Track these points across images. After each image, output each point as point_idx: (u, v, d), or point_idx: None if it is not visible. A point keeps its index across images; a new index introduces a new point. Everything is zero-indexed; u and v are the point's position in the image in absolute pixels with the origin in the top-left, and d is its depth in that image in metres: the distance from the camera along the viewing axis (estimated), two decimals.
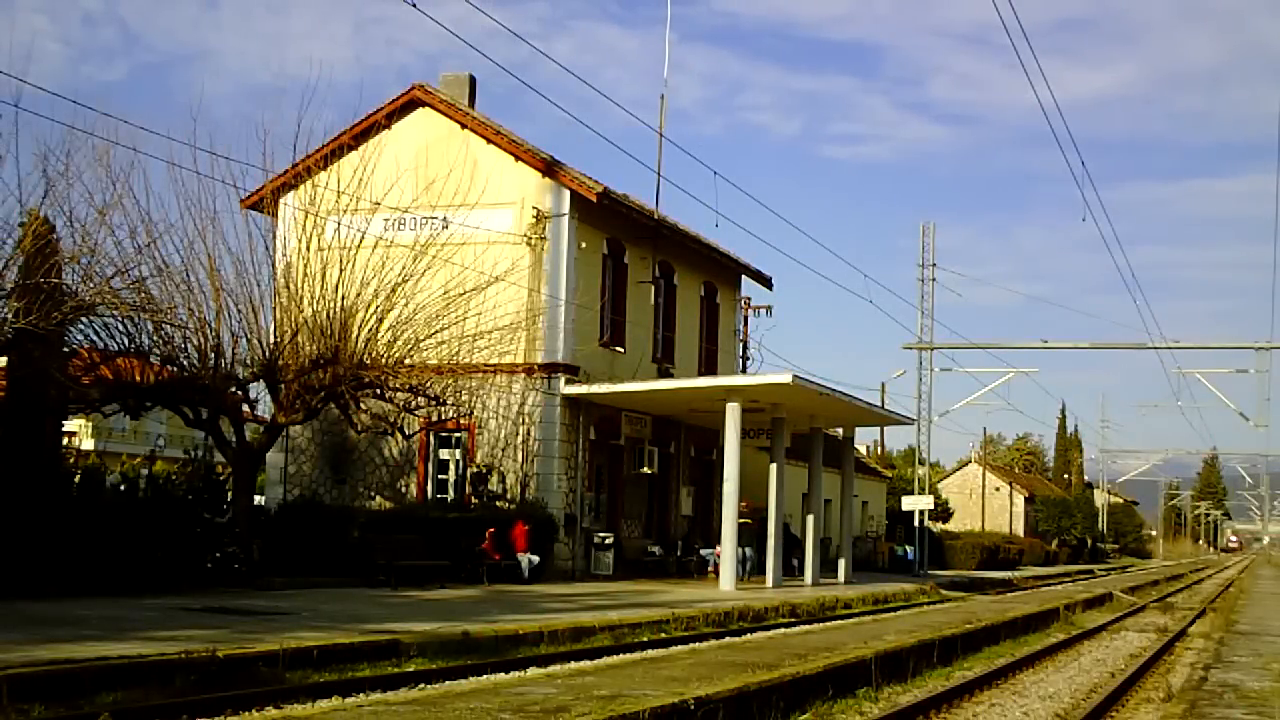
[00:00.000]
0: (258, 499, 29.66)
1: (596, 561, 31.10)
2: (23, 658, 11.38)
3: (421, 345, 25.84)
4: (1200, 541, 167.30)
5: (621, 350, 33.35)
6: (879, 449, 75.08)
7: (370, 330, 25.05)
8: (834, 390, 32.46)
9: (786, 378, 29.28)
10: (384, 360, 25.01)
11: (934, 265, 49.29)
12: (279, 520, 27.87)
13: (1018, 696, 14.59)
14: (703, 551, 34.69)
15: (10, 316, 19.21)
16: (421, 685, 12.71)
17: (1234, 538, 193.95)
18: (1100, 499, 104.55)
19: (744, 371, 42.94)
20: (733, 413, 29.50)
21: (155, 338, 23.64)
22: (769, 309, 47.04)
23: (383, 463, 31.36)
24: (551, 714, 9.68)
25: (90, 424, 42.01)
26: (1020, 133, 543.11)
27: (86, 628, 14.47)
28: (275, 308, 25.11)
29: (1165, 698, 14.09)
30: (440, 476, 31.41)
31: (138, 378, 24.09)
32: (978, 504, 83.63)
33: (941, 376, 72.23)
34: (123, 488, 23.27)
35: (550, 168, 30.66)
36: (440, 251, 26.76)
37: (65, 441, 25.08)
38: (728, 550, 29.38)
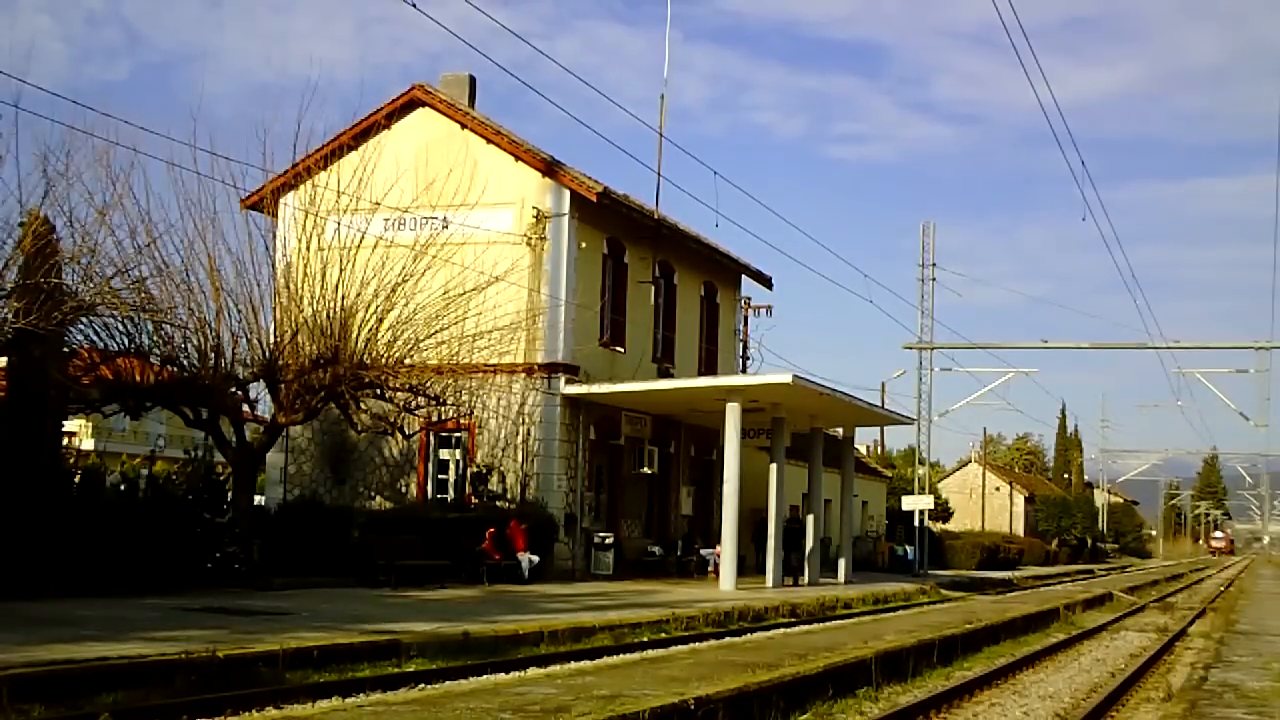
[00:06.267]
0: (258, 499, 29.66)
1: (596, 561, 31.10)
2: (23, 658, 11.39)
3: (421, 345, 25.83)
4: (1200, 541, 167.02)
5: (621, 350, 33.35)
6: (879, 449, 75.12)
7: (370, 330, 25.04)
8: (834, 390, 32.49)
9: (786, 378, 29.30)
10: (384, 360, 25.00)
11: (934, 265, 49.33)
12: (279, 520, 27.87)
13: (1018, 696, 14.59)
14: (703, 551, 34.72)
15: (10, 316, 19.21)
16: (421, 685, 12.71)
17: (1220, 534, 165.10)
18: (1100, 499, 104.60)
19: (744, 371, 42.97)
20: (733, 413, 29.51)
21: (155, 338, 23.64)
22: (769, 309, 47.14)
23: (383, 463, 31.36)
24: (552, 714, 9.68)
25: (90, 424, 41.98)
26: (1024, 133, 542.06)
27: (86, 628, 14.47)
28: (275, 308, 25.10)
29: (1165, 697, 14.09)
30: (440, 476, 31.41)
31: (138, 378, 24.08)
32: (978, 504, 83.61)
33: (941, 376, 72.32)
34: (123, 488, 23.28)
35: (550, 168, 30.66)
36: (440, 251, 26.75)
37: (65, 441, 25.05)
38: (728, 550, 29.40)
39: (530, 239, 30.31)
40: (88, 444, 38.29)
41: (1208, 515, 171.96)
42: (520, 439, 30.49)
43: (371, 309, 25.14)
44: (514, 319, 28.75)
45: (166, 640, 13.30)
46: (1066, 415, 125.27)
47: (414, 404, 26.68)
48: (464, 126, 31.28)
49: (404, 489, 31.25)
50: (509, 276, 28.71)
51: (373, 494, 31.20)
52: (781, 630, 21.20)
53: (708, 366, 38.58)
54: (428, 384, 26.30)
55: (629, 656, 15.63)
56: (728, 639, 18.85)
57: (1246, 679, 14.62)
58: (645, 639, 18.00)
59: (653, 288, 34.81)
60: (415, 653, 14.66)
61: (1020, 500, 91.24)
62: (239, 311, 24.34)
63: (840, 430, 39.62)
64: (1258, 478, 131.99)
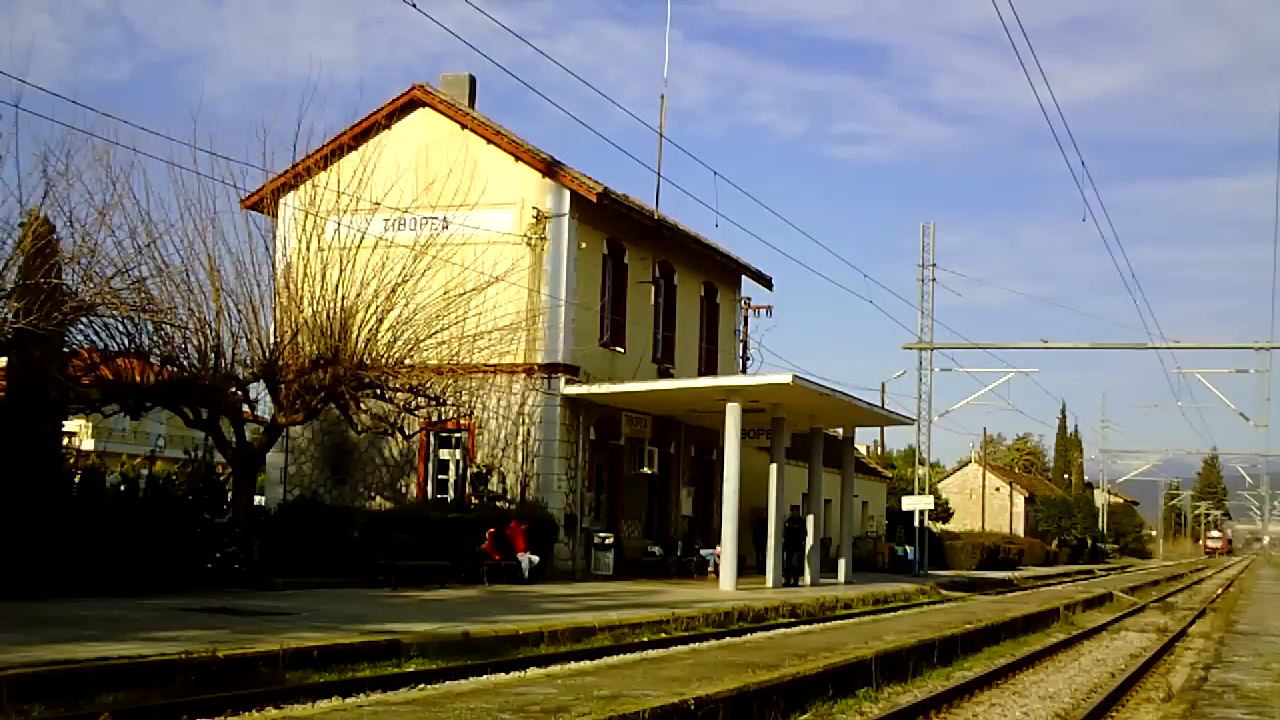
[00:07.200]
0: (258, 499, 29.67)
1: (596, 561, 31.10)
2: (23, 658, 11.39)
3: (421, 345, 25.84)
4: (1200, 542, 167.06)
5: (621, 350, 33.34)
6: (879, 449, 75.07)
7: (370, 330, 25.04)
8: (834, 390, 32.49)
9: (786, 378, 29.29)
10: (384, 360, 25.00)
11: (934, 265, 49.32)
12: (279, 520, 27.89)
13: (1018, 696, 14.59)
14: (703, 551, 34.73)
15: (10, 316, 19.20)
16: (421, 685, 12.71)
17: (1217, 533, 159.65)
18: (1100, 499, 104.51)
19: (744, 371, 42.95)
20: (733, 413, 29.51)
21: (155, 338, 23.64)
22: (769, 309, 47.07)
23: (383, 463, 31.35)
24: (551, 714, 9.67)
25: (90, 424, 41.97)
26: (1024, 132, 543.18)
27: (86, 628, 14.47)
28: (275, 308, 25.11)
29: (1165, 698, 14.09)
30: (440, 476, 31.41)
31: (138, 378, 24.09)
32: (978, 504, 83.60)
33: (941, 376, 72.48)
34: (123, 488, 23.27)
35: (550, 168, 30.66)
36: (440, 252, 26.76)
37: (65, 441, 25.06)
38: (728, 550, 29.40)
39: (530, 239, 30.31)
40: (88, 444, 38.30)
41: (1208, 515, 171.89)
42: (520, 439, 30.49)
43: (371, 309, 25.14)
44: (514, 319, 28.75)
45: (166, 640, 13.30)
46: (1066, 415, 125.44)
47: (414, 404, 26.68)
48: (464, 126, 31.28)
49: (404, 489, 31.25)
50: (509, 277, 28.71)
51: (373, 494, 31.20)
52: (781, 630, 21.19)
53: (708, 366, 38.57)
54: (428, 384, 26.30)
55: (629, 657, 15.62)
56: (728, 639, 18.83)
57: (1246, 679, 14.61)
58: (645, 639, 17.99)
59: (653, 288, 34.81)
60: (415, 653, 14.66)
61: (1020, 501, 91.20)
62: (239, 312, 24.36)
63: (840, 430, 39.61)
64: (1258, 478, 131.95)
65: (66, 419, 25.90)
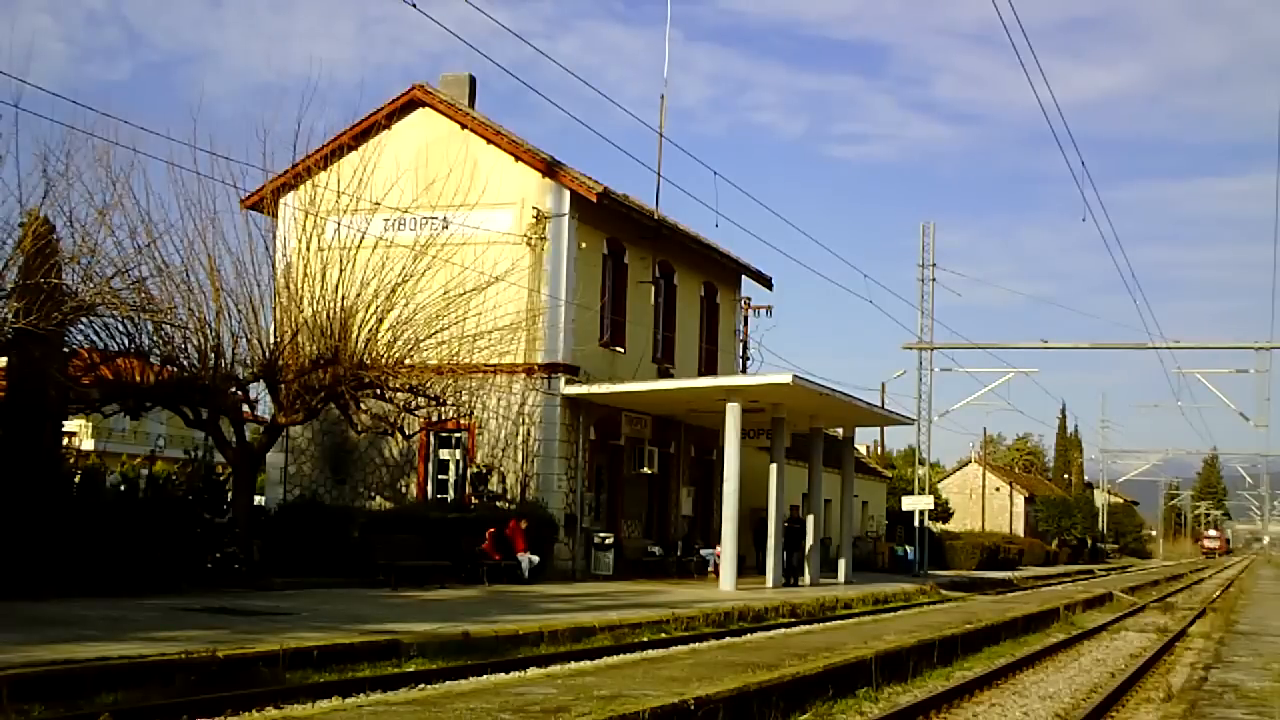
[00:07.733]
0: (258, 499, 29.67)
1: (596, 561, 31.10)
2: (23, 658, 11.39)
3: (421, 345, 25.84)
4: (1199, 542, 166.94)
5: (621, 350, 33.34)
6: (879, 449, 75.09)
7: (370, 330, 25.04)
8: (834, 390, 32.49)
9: (786, 378, 29.29)
10: (384, 360, 25.00)
11: (934, 265, 49.32)
12: (279, 520, 27.88)
13: (1018, 696, 14.59)
14: (703, 551, 34.74)
15: (10, 316, 19.20)
16: (421, 685, 12.71)
17: (1214, 533, 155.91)
18: (1100, 499, 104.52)
19: (744, 371, 42.96)
20: (733, 413, 29.51)
21: (155, 338, 23.64)
22: (769, 309, 47.10)
23: (383, 463, 31.35)
24: (551, 714, 9.67)
25: (90, 424, 41.96)
26: (1025, 132, 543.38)
27: (86, 628, 14.47)
28: (275, 308, 25.11)
29: (1165, 698, 14.09)
30: (440, 476, 31.41)
31: (138, 378, 24.09)
32: (978, 504, 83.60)
33: (941, 376, 72.46)
34: (123, 488, 23.27)
35: (550, 168, 30.66)
36: (440, 251, 26.76)
37: (65, 442, 25.04)
38: (728, 550, 29.40)
39: (530, 239, 30.30)
40: (88, 444, 38.28)
41: (1208, 515, 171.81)
42: (520, 439, 30.49)
43: (371, 309, 25.14)
44: (514, 319, 28.74)
45: (167, 640, 13.30)
46: (1066, 415, 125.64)
47: (414, 404, 26.68)
48: (464, 126, 31.28)
49: (404, 489, 31.25)
50: (509, 277, 28.70)
51: (373, 494, 31.20)
52: (781, 630, 21.19)
53: (708, 366, 38.57)
54: (428, 384, 26.30)
55: (629, 657, 15.62)
56: (728, 639, 18.84)
57: (1246, 679, 14.62)
58: (645, 639, 17.99)
59: (653, 288, 34.81)
60: (415, 653, 14.67)
61: (1020, 500, 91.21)
62: (239, 311, 24.37)
63: (840, 430, 39.61)
64: (1258, 478, 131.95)
65: (66, 419, 25.89)
